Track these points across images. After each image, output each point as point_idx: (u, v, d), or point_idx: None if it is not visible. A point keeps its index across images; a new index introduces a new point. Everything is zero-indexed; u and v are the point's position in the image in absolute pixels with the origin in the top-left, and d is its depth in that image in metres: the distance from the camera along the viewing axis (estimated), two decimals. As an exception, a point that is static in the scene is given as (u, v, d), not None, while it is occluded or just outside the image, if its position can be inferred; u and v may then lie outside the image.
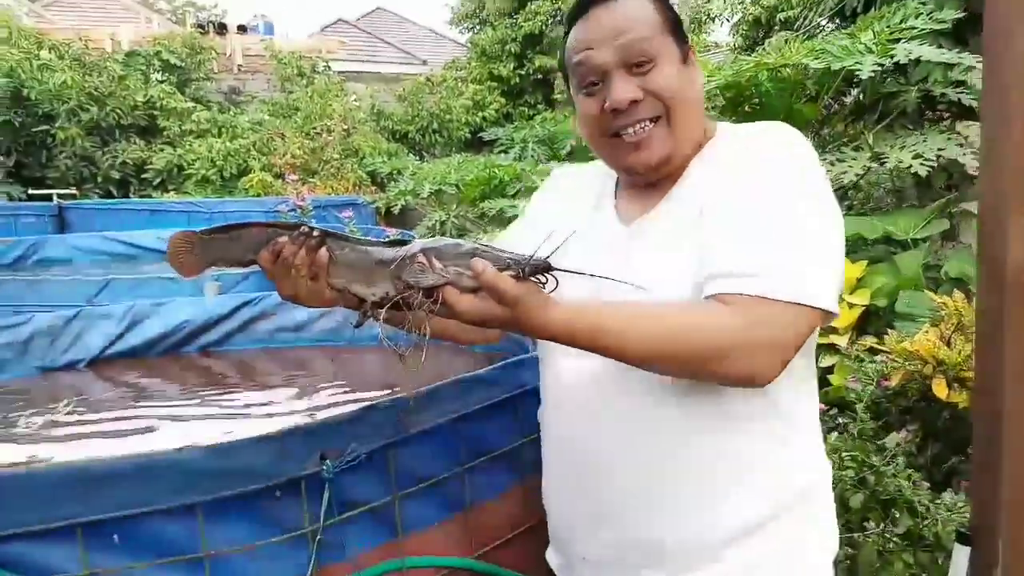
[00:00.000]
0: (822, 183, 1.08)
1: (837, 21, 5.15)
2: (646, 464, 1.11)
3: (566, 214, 1.25)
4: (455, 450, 1.42)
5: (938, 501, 1.95)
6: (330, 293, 1.04)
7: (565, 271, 0.96)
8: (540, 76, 14.11)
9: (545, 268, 0.95)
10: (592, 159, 1.29)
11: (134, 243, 6.26)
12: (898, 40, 3.68)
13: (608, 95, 1.12)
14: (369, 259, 1.02)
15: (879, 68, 3.55)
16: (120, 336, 2.85)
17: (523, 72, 14.09)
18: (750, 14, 6.68)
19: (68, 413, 2.37)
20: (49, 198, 8.38)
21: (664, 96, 1.11)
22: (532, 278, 0.95)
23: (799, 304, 0.98)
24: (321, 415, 1.74)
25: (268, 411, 2.40)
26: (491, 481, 1.48)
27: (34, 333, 2.67)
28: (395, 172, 9.78)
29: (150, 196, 9.80)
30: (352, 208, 7.28)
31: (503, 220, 6.36)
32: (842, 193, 3.95)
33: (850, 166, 3.50)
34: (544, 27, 13.79)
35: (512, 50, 13.99)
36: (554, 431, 1.26)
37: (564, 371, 1.19)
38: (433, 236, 1.22)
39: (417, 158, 11.20)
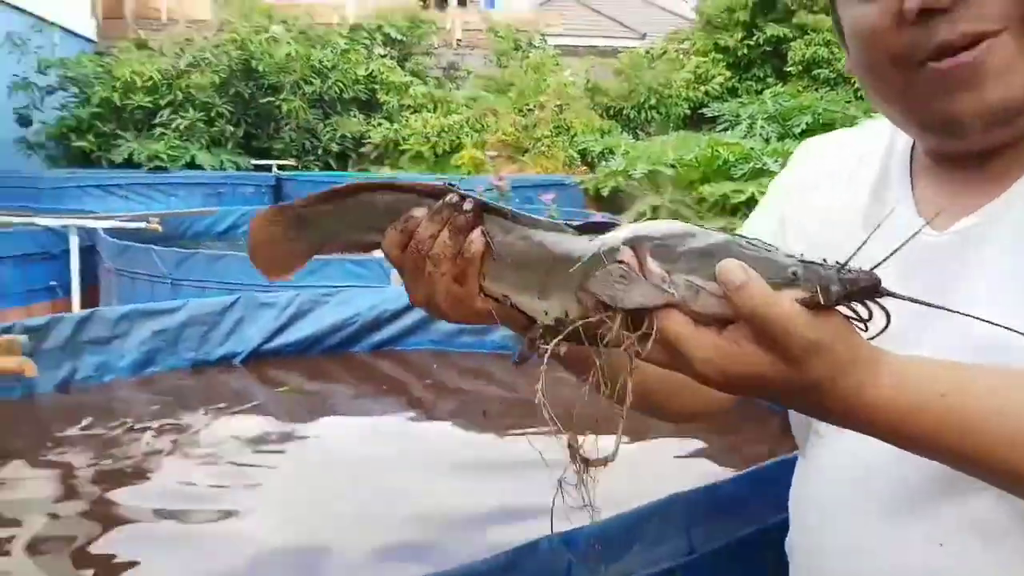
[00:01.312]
0: None
1: None
2: None
3: (831, 208, 0.82)
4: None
5: None
6: (483, 303, 0.65)
7: (908, 299, 0.52)
8: (771, 47, 12.89)
9: (871, 290, 0.51)
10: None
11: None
12: None
13: None
14: (546, 253, 0.61)
15: None
16: (281, 329, 2.49)
17: (752, 42, 12.91)
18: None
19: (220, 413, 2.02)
20: (269, 168, 8.64)
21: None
22: (844, 306, 0.52)
23: None
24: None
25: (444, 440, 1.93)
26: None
27: (188, 321, 2.36)
28: (607, 151, 9.24)
29: (367, 170, 9.95)
30: (558, 189, 6.80)
31: (728, 208, 5.58)
32: None
33: None
34: (780, -9, 12.55)
35: (740, 18, 12.85)
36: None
37: (841, 460, 0.72)
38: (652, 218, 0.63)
39: (631, 136, 10.58)
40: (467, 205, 0.63)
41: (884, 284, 0.53)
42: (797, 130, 9.05)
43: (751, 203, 5.28)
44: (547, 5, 18.13)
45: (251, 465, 1.81)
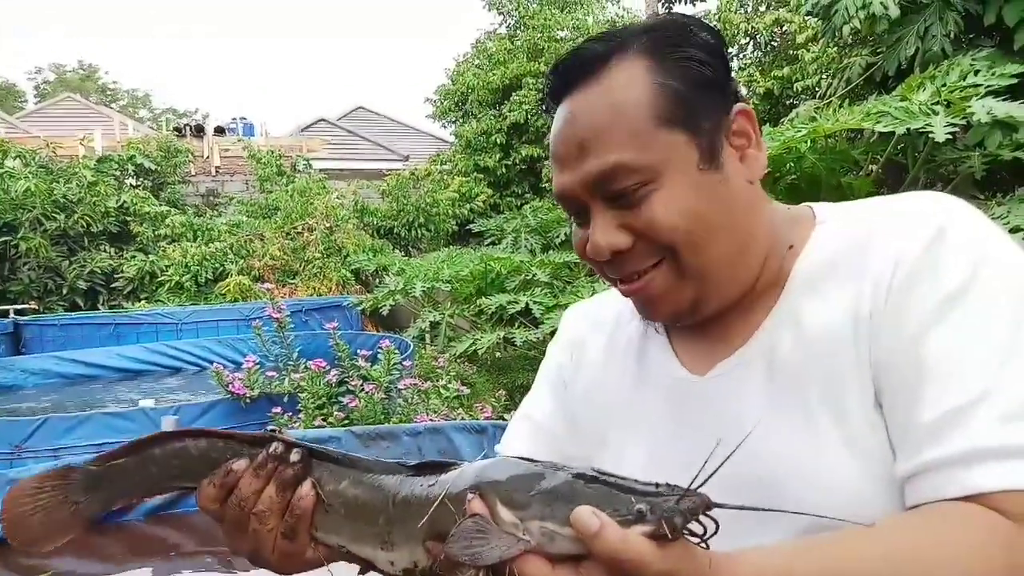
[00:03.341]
0: None
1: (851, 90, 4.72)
2: None
3: (605, 378, 0.91)
4: None
5: None
6: (314, 551, 0.63)
7: (736, 507, 0.54)
8: (526, 165, 13.87)
9: (706, 509, 0.55)
10: None
11: (91, 362, 5.60)
12: (968, 98, 3.19)
13: (590, 235, 0.78)
14: (384, 500, 0.59)
15: (953, 129, 3.05)
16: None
17: (509, 162, 13.86)
18: (760, 87, 6.30)
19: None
20: (5, 314, 7.73)
21: (661, 237, 0.74)
22: (685, 530, 0.55)
23: None
24: None
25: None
26: None
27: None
28: (381, 269, 9.28)
29: (120, 307, 9.20)
30: (335, 311, 6.69)
31: (505, 319, 5.76)
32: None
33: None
34: (529, 116, 13.62)
35: (498, 140, 13.79)
36: None
37: None
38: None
39: (403, 253, 10.72)
40: (294, 456, 0.60)
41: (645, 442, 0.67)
42: (558, 240, 9.67)
43: (526, 312, 5.52)
44: (308, 131, 18.27)
45: None
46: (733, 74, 0.82)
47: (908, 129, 3.09)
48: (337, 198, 11.32)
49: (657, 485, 0.56)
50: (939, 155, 3.65)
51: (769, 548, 0.62)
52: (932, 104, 3.28)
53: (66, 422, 3.18)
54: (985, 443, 0.61)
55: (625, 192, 0.74)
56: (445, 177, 12.80)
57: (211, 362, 5.89)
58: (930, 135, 3.01)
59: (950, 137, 3.06)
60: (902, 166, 3.91)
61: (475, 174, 13.45)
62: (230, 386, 3.52)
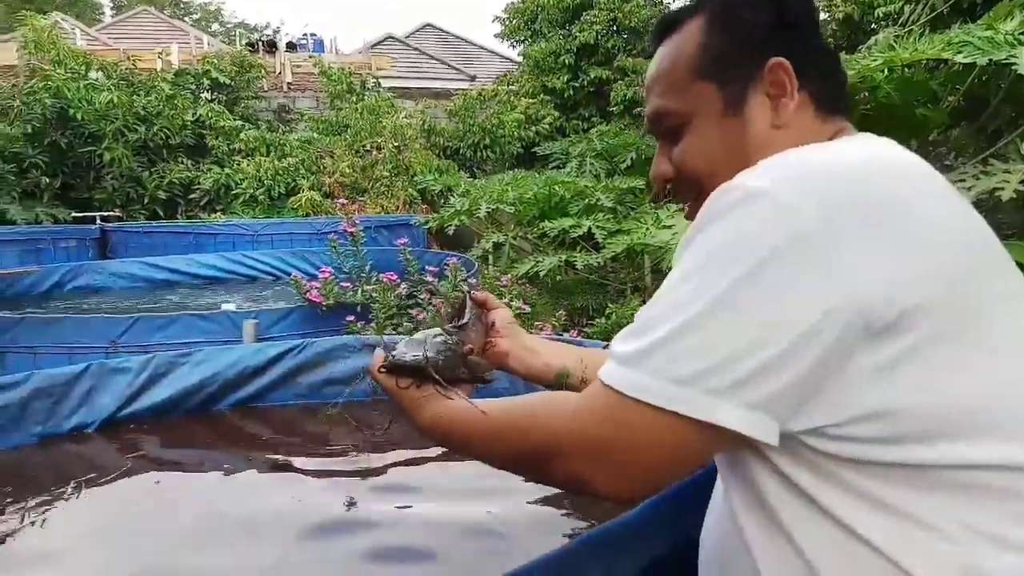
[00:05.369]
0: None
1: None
2: None
3: None
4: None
5: None
6: None
7: (437, 382, 0.93)
8: (594, 88, 13.62)
9: (410, 369, 0.94)
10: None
11: (173, 268, 5.90)
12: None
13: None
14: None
15: (1039, 62, 2.94)
16: (138, 394, 2.39)
17: (577, 84, 13.62)
18: (839, 11, 6.07)
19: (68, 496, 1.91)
20: (92, 220, 8.11)
21: (686, 172, 0.89)
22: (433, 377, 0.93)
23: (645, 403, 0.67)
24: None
25: (328, 499, 1.91)
26: None
27: (33, 394, 2.22)
28: (446, 189, 9.38)
29: (197, 217, 9.54)
30: (402, 229, 6.86)
31: (567, 243, 5.84)
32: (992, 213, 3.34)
33: (1006, 180, 2.90)
34: (599, 37, 13.31)
35: (566, 62, 13.54)
36: None
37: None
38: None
39: (468, 175, 10.78)
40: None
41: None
42: (623, 165, 9.60)
43: (589, 237, 5.57)
44: (377, 48, 18.22)
45: (117, 528, 1.73)
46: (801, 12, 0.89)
47: (990, 60, 3.00)
48: (405, 117, 11.39)
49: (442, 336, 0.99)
50: (1022, 88, 3.53)
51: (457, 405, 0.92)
52: (1019, 34, 3.16)
53: (156, 322, 3.42)
54: (612, 346, 0.74)
55: (671, 130, 0.90)
56: (512, 98, 12.68)
57: (286, 273, 6.15)
58: (1014, 67, 2.92)
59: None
60: (983, 99, 3.79)
61: (542, 96, 13.27)
62: (308, 294, 3.73)
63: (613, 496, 0.71)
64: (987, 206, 2.95)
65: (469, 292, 1.12)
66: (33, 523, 1.73)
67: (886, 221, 0.65)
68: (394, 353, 0.93)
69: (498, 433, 0.82)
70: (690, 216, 0.89)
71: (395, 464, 2.13)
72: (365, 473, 2.06)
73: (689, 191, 0.90)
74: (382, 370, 0.94)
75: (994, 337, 0.67)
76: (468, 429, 0.86)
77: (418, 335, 0.98)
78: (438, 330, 0.99)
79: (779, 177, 0.67)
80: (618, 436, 0.67)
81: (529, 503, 1.78)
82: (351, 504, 1.86)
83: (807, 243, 0.63)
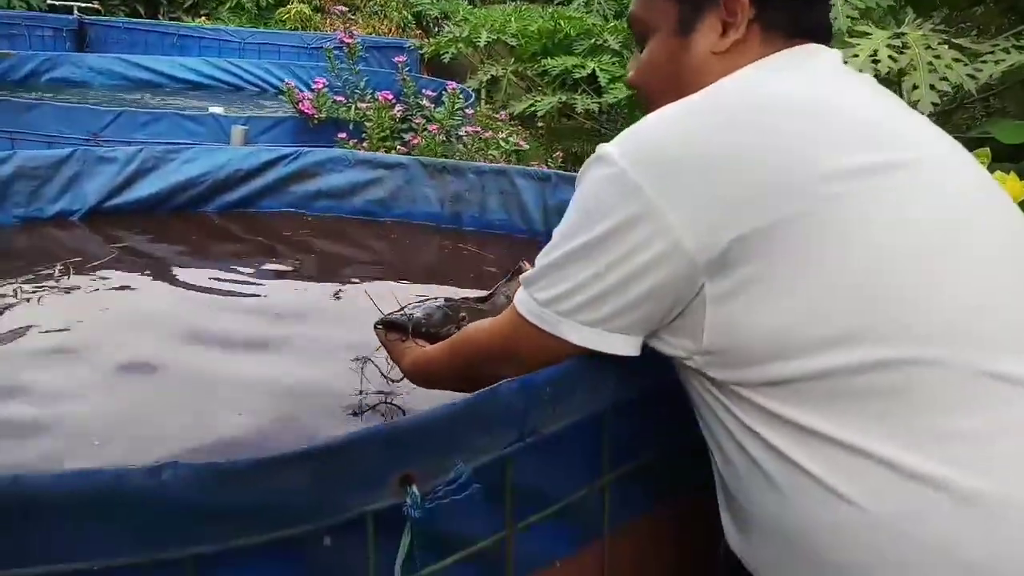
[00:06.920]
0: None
1: None
2: None
3: None
4: (594, 459, 0.91)
5: None
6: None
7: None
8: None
9: (386, 324, 1.17)
10: None
11: (156, 69, 5.63)
12: None
13: None
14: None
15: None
16: (124, 186, 2.31)
17: (591, -85, 12.79)
18: None
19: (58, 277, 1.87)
20: (70, 11, 7.66)
21: (640, 87, 0.97)
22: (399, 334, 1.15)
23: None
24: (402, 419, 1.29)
25: (301, 304, 1.89)
26: (638, 496, 0.98)
27: (16, 172, 2.14)
28: (443, 16, 8.94)
29: (180, 20, 9.06)
30: (396, 52, 6.58)
31: (568, 84, 5.64)
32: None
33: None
34: None
35: None
36: None
37: None
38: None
39: (467, 2, 10.27)
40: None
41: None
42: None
43: (591, 80, 5.38)
44: None
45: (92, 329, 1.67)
46: None
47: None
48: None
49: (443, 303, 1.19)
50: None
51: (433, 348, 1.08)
52: None
53: (141, 117, 3.29)
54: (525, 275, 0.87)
55: (639, 37, 0.95)
56: (521, -79, 11.90)
57: (272, 86, 5.91)
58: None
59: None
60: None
61: (553, -77, 12.49)
62: (299, 104, 3.58)
63: None
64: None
65: (520, 265, 1.24)
66: (28, 300, 1.70)
67: (710, 176, 0.74)
68: (391, 313, 1.15)
69: (449, 360, 1.01)
70: None
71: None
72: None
73: (643, 102, 0.96)
74: (379, 326, 1.16)
75: (831, 254, 0.72)
76: (431, 365, 1.04)
77: (429, 302, 1.18)
78: (442, 300, 1.18)
79: (628, 150, 0.78)
80: (516, 342, 0.87)
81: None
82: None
83: (640, 209, 0.76)
